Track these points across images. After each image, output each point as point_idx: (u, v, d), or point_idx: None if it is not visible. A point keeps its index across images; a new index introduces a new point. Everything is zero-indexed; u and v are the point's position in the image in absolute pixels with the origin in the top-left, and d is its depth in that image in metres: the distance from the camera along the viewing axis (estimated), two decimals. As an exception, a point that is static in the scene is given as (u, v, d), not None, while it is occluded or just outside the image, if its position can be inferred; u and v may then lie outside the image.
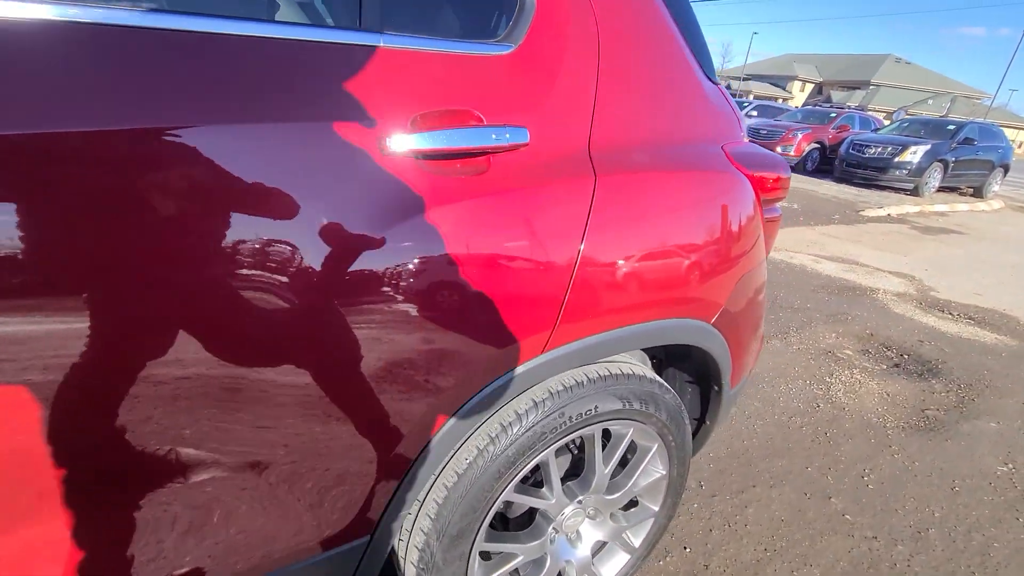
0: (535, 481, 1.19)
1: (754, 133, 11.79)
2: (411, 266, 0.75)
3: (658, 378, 1.18)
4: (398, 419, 0.82)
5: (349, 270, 0.71)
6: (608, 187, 0.94)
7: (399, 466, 0.87)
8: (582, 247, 0.91)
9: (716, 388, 1.32)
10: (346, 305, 0.72)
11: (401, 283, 0.75)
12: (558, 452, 1.19)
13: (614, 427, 1.16)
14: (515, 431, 0.99)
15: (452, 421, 0.88)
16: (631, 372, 1.12)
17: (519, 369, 0.91)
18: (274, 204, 0.66)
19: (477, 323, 0.82)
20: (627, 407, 1.11)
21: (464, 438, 0.95)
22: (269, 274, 0.66)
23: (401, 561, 1.04)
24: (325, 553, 0.87)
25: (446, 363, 0.82)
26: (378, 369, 0.77)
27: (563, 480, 1.20)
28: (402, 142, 0.75)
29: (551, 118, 0.89)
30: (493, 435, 0.98)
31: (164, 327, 0.61)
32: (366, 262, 0.72)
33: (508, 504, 1.19)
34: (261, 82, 0.66)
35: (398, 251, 0.74)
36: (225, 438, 0.69)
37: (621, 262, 0.96)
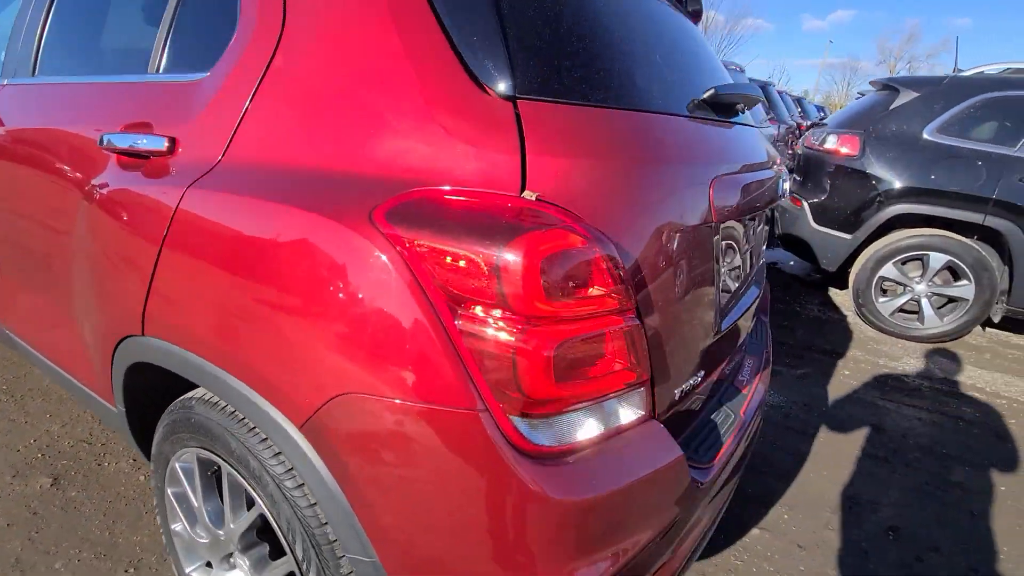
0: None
1: None
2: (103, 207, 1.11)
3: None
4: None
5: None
6: (192, 202, 0.89)
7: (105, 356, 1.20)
8: (160, 252, 0.94)
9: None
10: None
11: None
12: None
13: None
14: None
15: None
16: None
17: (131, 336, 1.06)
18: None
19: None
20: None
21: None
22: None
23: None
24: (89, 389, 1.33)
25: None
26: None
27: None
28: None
29: (199, 132, 0.96)
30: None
31: None
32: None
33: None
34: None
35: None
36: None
37: (190, 286, 0.89)
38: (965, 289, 3.35)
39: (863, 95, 4.20)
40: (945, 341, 3.52)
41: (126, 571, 1.52)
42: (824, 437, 2.44)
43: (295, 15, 0.91)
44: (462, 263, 0.68)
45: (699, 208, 0.87)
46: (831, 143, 3.70)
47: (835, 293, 4.39)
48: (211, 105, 0.96)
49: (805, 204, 3.83)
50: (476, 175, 0.74)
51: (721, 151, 0.99)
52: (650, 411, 0.87)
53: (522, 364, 0.68)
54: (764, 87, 6.50)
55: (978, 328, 3.78)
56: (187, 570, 1.25)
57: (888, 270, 3.53)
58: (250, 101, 0.92)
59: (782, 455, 2.29)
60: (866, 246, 3.60)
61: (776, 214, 4.21)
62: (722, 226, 0.95)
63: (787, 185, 1.34)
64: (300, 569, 0.92)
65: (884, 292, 3.63)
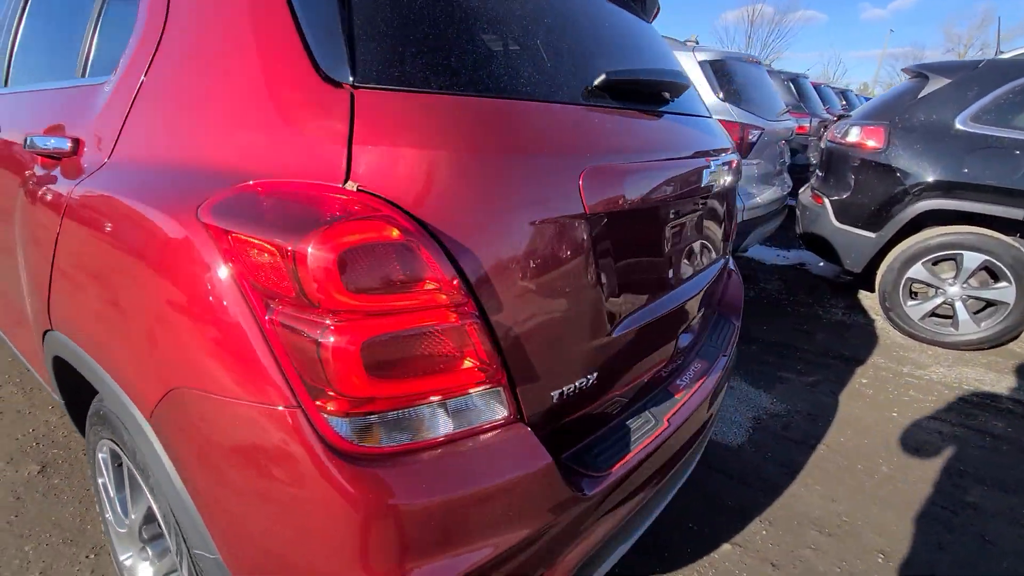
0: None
1: None
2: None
3: None
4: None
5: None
6: (76, 200, 0.92)
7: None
8: (55, 248, 0.97)
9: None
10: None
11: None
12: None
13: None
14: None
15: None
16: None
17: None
18: None
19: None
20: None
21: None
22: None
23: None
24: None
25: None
26: None
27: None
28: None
29: (96, 132, 0.99)
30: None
31: None
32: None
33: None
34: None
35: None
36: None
37: (72, 281, 0.92)
38: (1004, 291, 3.06)
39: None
40: (983, 348, 3.23)
41: (87, 556, 1.59)
42: (824, 450, 2.27)
43: (174, 17, 0.92)
44: (268, 256, 0.66)
45: (563, 200, 0.81)
46: (854, 136, 3.46)
47: (865, 296, 4.11)
48: (105, 107, 0.99)
49: (826, 201, 3.61)
50: (306, 166, 0.73)
51: (609, 140, 0.92)
52: (515, 414, 0.83)
53: (328, 360, 0.65)
54: (795, 79, 6.19)
55: (1026, 335, 3.44)
56: (120, 558, 1.29)
57: (917, 271, 3.27)
58: (133, 101, 0.94)
59: (772, 466, 2.14)
60: (893, 245, 3.35)
61: (797, 212, 3.99)
62: (603, 220, 0.88)
63: (724, 178, 1.24)
64: (178, 561, 0.92)
65: (913, 295, 3.37)
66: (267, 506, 0.73)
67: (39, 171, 1.14)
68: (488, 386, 0.78)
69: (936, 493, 2.03)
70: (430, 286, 0.69)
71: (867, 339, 3.40)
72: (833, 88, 9.43)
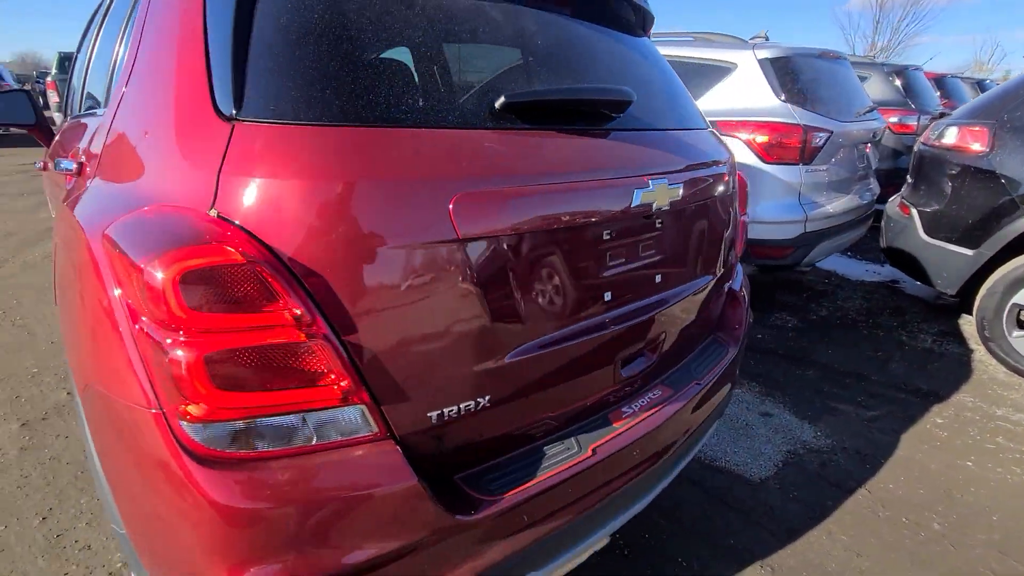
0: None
1: None
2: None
3: None
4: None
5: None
6: (65, 213, 1.09)
7: None
8: (56, 249, 1.15)
9: None
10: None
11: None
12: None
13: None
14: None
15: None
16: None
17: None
18: None
19: None
20: None
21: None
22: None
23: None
24: None
25: None
26: None
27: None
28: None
29: (90, 157, 1.17)
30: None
31: None
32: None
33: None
34: None
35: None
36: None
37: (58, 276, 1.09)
38: None
39: None
40: (1113, 394, 2.66)
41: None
42: (864, 496, 2.02)
43: (140, 55, 1.06)
44: (131, 272, 0.75)
45: (430, 226, 0.81)
46: (951, 138, 3.02)
47: (966, 322, 3.55)
48: (96, 135, 1.17)
49: (914, 212, 3.18)
50: (192, 193, 0.81)
51: (499, 164, 0.90)
52: (384, 431, 0.85)
53: (175, 371, 0.72)
54: (901, 72, 5.44)
55: None
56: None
57: (1026, 296, 2.78)
58: (108, 131, 1.09)
59: (795, 507, 1.94)
60: (995, 265, 2.88)
61: (882, 224, 3.55)
62: (487, 244, 0.87)
63: (673, 196, 1.15)
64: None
65: (1022, 324, 2.86)
66: (150, 496, 0.82)
67: (63, 186, 1.36)
68: (347, 403, 0.81)
69: (998, 564, 1.72)
70: (275, 307, 0.74)
71: (957, 372, 2.94)
72: (967, 79, 8.13)
